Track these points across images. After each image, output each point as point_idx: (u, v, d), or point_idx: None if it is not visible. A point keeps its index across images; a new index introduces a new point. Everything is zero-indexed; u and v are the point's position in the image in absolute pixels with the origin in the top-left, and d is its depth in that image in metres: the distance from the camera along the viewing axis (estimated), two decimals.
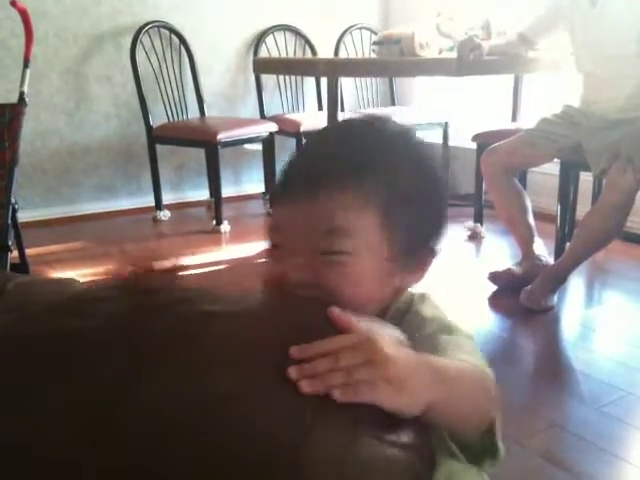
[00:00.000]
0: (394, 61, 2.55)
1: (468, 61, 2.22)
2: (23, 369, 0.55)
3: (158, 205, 3.50)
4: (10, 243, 1.88)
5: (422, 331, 0.64)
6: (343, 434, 0.44)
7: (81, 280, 0.76)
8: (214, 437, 0.44)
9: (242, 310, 0.57)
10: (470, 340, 0.64)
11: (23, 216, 2.37)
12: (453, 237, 3.16)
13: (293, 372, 0.48)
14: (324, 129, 0.74)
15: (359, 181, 0.62)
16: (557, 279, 2.28)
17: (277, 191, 0.66)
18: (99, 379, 0.51)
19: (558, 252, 2.47)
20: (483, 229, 3.11)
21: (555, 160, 2.48)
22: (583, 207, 2.59)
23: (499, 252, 2.95)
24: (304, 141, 0.70)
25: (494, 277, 2.44)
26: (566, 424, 1.58)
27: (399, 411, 0.49)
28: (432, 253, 0.70)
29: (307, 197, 0.62)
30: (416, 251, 0.68)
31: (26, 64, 2.24)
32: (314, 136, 0.73)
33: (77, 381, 0.52)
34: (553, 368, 1.91)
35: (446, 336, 0.63)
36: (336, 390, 0.47)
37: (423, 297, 0.70)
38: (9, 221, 1.92)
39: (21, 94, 2.17)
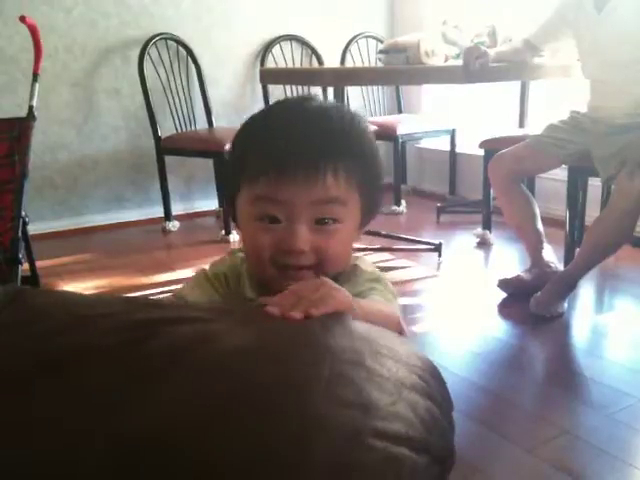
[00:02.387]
0: (400, 69, 2.56)
1: (474, 68, 2.22)
2: (32, 381, 0.56)
3: (167, 216, 3.52)
4: (21, 256, 1.89)
5: (359, 278, 0.85)
6: (348, 438, 0.44)
7: (90, 292, 0.77)
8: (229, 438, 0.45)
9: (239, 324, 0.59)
10: (389, 292, 0.84)
11: (33, 228, 2.39)
12: (462, 244, 3.15)
13: (270, 310, 0.62)
14: (283, 109, 0.84)
15: (345, 163, 0.77)
16: (567, 285, 2.27)
17: (273, 172, 0.76)
18: (107, 389, 0.52)
19: (567, 258, 2.45)
20: (492, 236, 3.11)
21: (563, 166, 2.48)
22: (592, 213, 2.57)
23: (508, 259, 2.94)
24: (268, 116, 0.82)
25: (503, 284, 2.44)
26: (576, 431, 1.57)
27: (347, 305, 0.66)
28: (377, 212, 0.88)
29: (307, 180, 0.76)
30: (370, 215, 0.86)
31: (35, 78, 2.26)
32: (278, 115, 0.82)
33: (86, 392, 0.52)
34: (563, 375, 1.89)
35: (375, 285, 0.83)
36: (312, 310, 0.61)
37: (360, 259, 0.89)
38: (20, 234, 1.93)
39: (30, 108, 2.19)
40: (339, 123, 0.79)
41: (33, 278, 2.12)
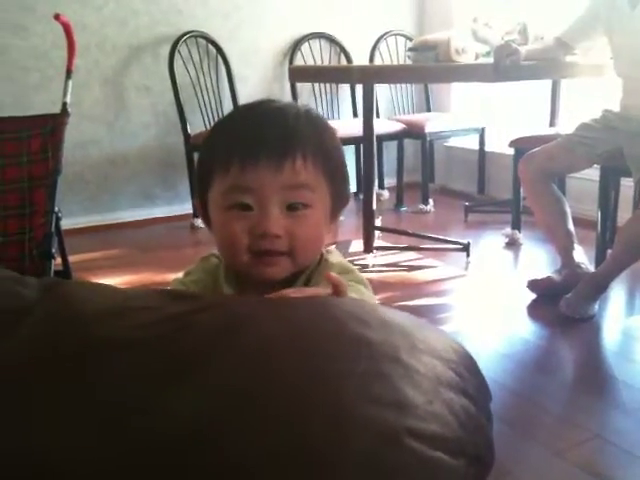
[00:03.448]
0: (430, 67, 2.55)
1: (505, 66, 2.20)
2: (68, 371, 0.56)
3: (195, 212, 3.54)
4: (54, 251, 1.92)
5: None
6: (385, 438, 0.44)
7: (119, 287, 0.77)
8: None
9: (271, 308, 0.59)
10: (361, 284, 0.86)
11: (64, 224, 2.42)
12: (491, 244, 3.12)
13: None
14: (247, 108, 0.88)
15: (310, 150, 0.80)
16: (598, 287, 2.23)
17: (241, 161, 0.79)
18: (139, 384, 0.52)
19: (599, 259, 2.42)
20: (521, 236, 3.07)
21: (595, 165, 2.44)
22: (624, 213, 2.54)
23: (538, 259, 2.91)
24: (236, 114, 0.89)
25: (533, 285, 2.41)
26: (607, 435, 1.54)
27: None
28: (346, 202, 0.90)
29: (276, 165, 0.78)
30: (339, 204, 0.88)
31: (68, 75, 2.29)
32: (242, 113, 0.88)
33: (114, 385, 0.52)
34: (594, 378, 1.87)
35: (349, 279, 0.84)
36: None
37: (329, 251, 0.91)
38: (53, 229, 1.96)
39: (64, 104, 2.22)
40: (298, 115, 0.84)
41: (65, 273, 2.15)
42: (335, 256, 0.90)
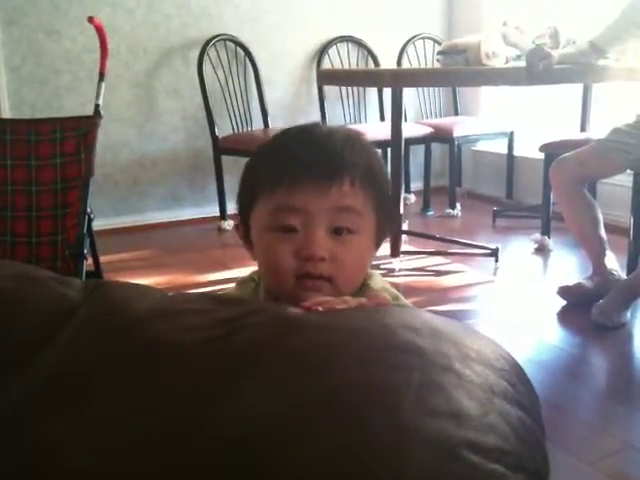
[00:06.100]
0: (463, 70, 2.53)
1: (538, 70, 2.18)
2: (118, 373, 0.56)
3: (223, 215, 3.56)
4: (86, 251, 1.94)
5: None
6: (443, 451, 0.43)
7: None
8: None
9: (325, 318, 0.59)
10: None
11: (94, 224, 2.45)
12: (519, 250, 3.09)
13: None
14: (294, 131, 0.86)
15: (360, 175, 0.80)
16: (630, 294, 2.20)
17: (289, 180, 0.78)
18: (189, 387, 0.52)
19: (631, 266, 2.39)
20: (551, 242, 3.04)
21: (628, 171, 2.41)
22: None
23: (568, 266, 2.87)
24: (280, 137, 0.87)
25: (564, 292, 2.38)
26: None
27: None
28: (389, 231, 0.89)
29: (324, 187, 0.78)
30: (384, 232, 0.87)
31: (101, 78, 2.31)
32: (289, 135, 0.85)
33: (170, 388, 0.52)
34: (626, 386, 1.84)
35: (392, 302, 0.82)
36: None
37: (371, 275, 0.88)
38: (85, 230, 1.98)
39: (96, 107, 2.24)
40: (348, 139, 0.83)
41: (97, 273, 2.17)
42: (377, 281, 0.88)
